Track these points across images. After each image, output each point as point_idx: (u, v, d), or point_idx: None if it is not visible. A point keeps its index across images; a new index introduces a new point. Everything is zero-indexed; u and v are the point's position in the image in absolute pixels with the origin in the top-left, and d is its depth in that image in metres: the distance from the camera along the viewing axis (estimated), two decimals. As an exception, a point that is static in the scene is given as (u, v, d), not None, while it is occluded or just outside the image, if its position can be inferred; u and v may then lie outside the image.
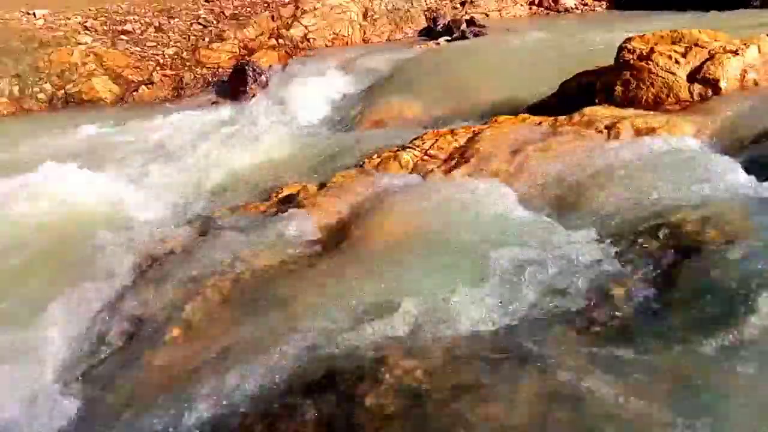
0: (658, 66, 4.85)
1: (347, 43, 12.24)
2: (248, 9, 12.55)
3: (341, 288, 3.02)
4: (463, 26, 11.69)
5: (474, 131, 4.80)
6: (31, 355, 3.28)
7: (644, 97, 4.87)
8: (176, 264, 3.69)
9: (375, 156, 4.89)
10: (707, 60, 4.76)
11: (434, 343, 2.57)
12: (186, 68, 11.27)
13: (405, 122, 7.53)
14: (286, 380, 2.59)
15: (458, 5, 13.24)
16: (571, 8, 13.41)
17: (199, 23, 12.19)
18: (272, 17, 12.20)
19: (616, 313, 2.61)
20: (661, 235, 3.05)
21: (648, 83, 4.87)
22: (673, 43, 5.03)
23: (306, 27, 12.08)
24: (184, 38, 11.84)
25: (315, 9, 12.27)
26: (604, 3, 13.28)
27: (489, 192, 3.80)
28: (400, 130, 6.98)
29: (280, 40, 11.94)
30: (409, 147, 4.81)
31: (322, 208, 4.00)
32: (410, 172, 4.52)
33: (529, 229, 3.35)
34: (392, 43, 12.03)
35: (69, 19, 11.79)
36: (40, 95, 10.45)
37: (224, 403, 2.57)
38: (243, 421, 2.48)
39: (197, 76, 11.14)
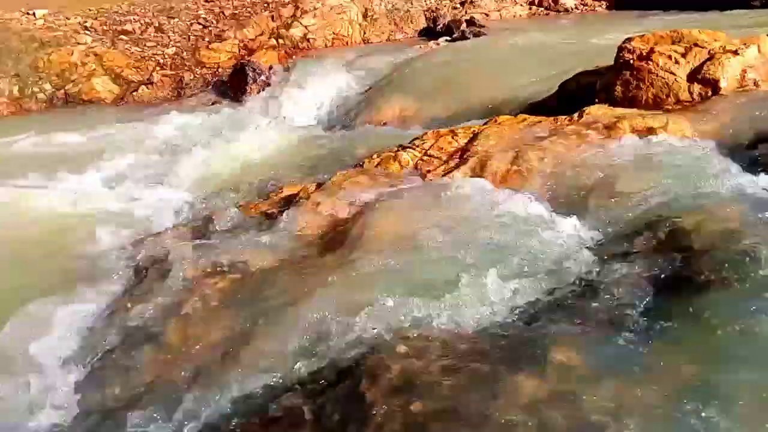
0: (658, 66, 4.85)
1: (347, 43, 12.22)
2: (248, 9, 12.52)
3: (341, 287, 3.02)
4: (463, 26, 11.67)
5: (474, 131, 4.79)
6: (30, 356, 3.28)
7: (644, 97, 4.87)
8: (176, 264, 3.69)
9: (375, 156, 4.89)
10: (707, 60, 4.76)
11: (434, 341, 2.57)
12: (186, 68, 11.24)
13: (405, 122, 7.54)
14: (285, 380, 2.59)
15: (458, 5, 13.21)
16: (571, 8, 13.38)
17: (199, 23, 12.17)
18: (272, 17, 12.19)
19: (617, 312, 2.62)
20: (660, 234, 3.06)
21: (648, 83, 4.87)
22: (673, 43, 5.03)
23: (306, 27, 12.06)
24: (184, 38, 11.82)
25: (315, 9, 12.24)
26: (604, 3, 13.25)
27: (489, 192, 3.81)
28: (400, 130, 6.99)
29: (280, 40, 11.93)
30: (409, 147, 4.81)
31: (322, 208, 4.00)
32: (410, 172, 4.52)
33: (528, 228, 3.35)
34: (392, 43, 12.02)
35: (69, 19, 11.78)
36: (40, 95, 10.44)
37: (224, 403, 2.57)
38: (242, 421, 2.48)
39: (197, 76, 11.12)
